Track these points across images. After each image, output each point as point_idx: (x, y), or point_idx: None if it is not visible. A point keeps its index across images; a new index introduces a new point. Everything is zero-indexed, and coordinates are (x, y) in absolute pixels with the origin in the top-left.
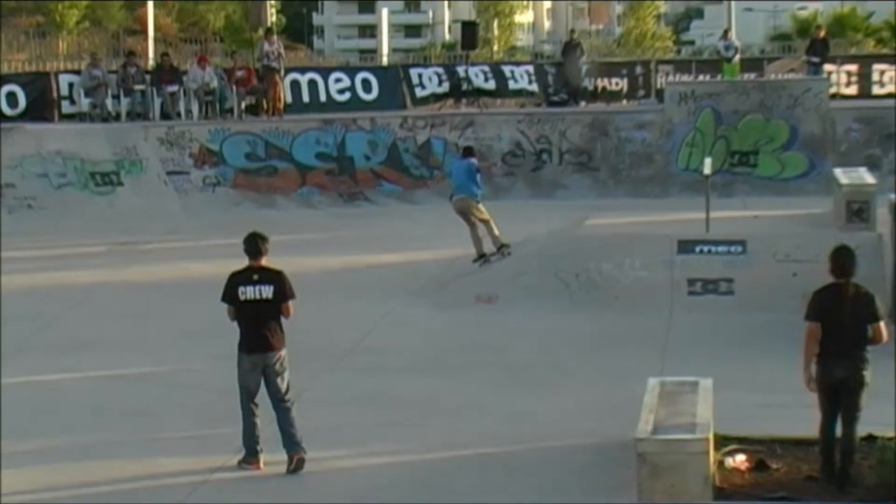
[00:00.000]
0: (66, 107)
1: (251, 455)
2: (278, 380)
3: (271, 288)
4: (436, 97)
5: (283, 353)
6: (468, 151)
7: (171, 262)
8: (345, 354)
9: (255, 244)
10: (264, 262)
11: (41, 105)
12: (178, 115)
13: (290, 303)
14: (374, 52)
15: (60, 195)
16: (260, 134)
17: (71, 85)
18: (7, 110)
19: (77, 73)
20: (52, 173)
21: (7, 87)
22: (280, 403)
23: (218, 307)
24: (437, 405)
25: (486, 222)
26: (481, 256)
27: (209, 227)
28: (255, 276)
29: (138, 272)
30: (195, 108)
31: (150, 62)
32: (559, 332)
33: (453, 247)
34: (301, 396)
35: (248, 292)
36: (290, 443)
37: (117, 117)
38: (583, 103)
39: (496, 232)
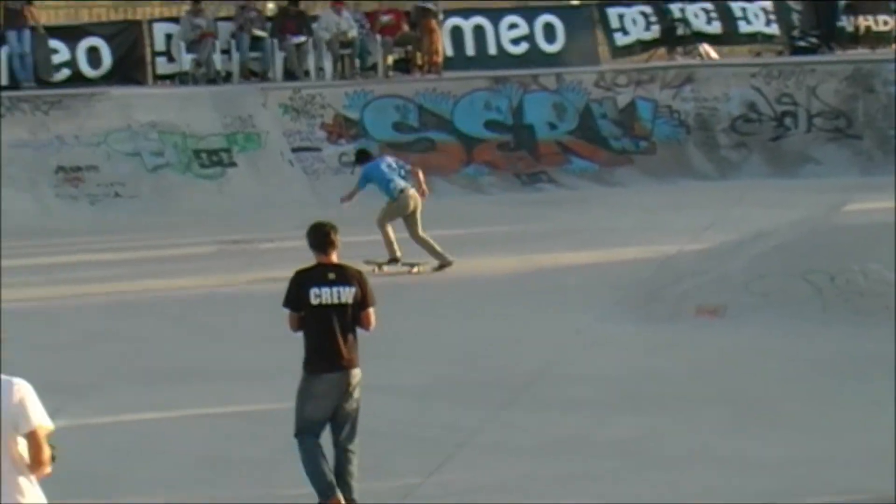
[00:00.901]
0: (161, 65)
1: (328, 494)
2: (353, 409)
3: (352, 291)
4: (642, 45)
5: (360, 375)
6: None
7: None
8: (527, 385)
9: (323, 236)
10: (335, 258)
11: (131, 63)
12: (307, 73)
13: (372, 310)
14: None
15: (156, 179)
16: (412, 97)
17: (168, 37)
18: (88, 71)
19: (176, 20)
20: (145, 152)
21: (87, 41)
22: (349, 442)
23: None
24: (650, 452)
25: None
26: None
27: (347, 220)
28: (332, 276)
29: (256, 278)
30: (328, 65)
31: (270, 6)
32: (808, 354)
33: (666, 241)
34: (469, 441)
35: (323, 295)
36: (346, 489)
37: (228, 77)
38: (839, 50)
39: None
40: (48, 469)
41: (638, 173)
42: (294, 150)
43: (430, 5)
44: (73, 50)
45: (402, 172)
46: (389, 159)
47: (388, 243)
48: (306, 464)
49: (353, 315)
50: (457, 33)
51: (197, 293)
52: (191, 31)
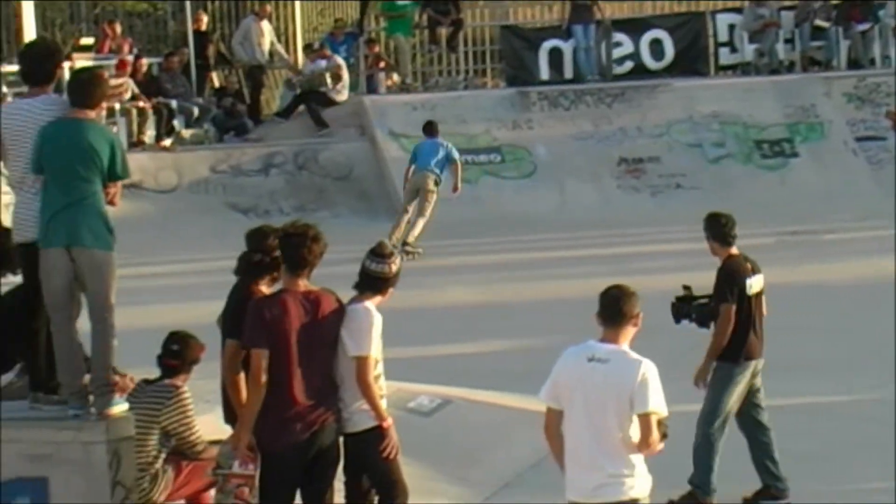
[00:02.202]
0: (724, 56)
1: (712, 492)
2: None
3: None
4: None
5: None
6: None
7: (871, 257)
8: None
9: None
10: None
11: (693, 55)
12: (872, 62)
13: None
14: None
15: (717, 170)
16: None
17: (731, 28)
18: (650, 63)
19: (739, 11)
20: (706, 143)
21: (651, 34)
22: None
23: None
24: None
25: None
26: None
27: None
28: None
29: (815, 270)
30: (894, 52)
31: None
32: None
33: None
34: None
35: (753, 284)
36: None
37: (790, 67)
38: None
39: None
40: (658, 448)
41: None
42: (858, 139)
43: None
44: (636, 43)
45: (442, 160)
46: (445, 144)
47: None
48: (711, 457)
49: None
50: None
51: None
52: (753, 22)
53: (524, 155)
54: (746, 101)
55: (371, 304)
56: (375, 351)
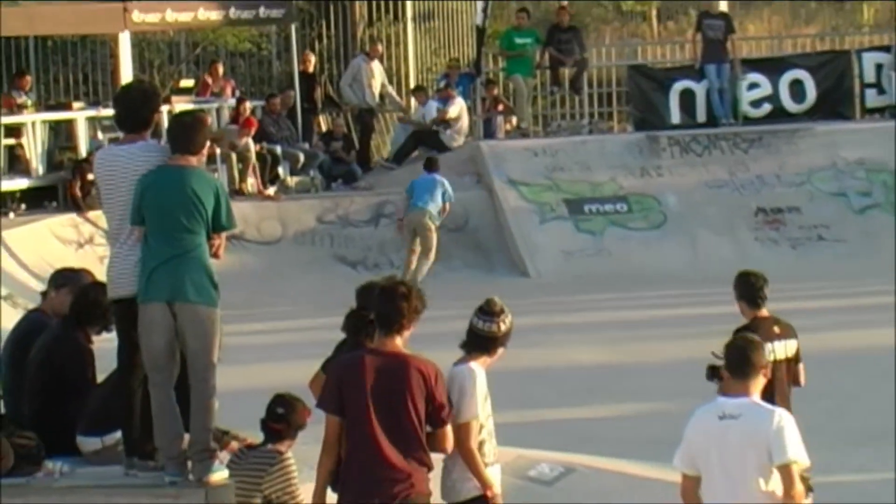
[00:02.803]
0: (870, 97)
1: None
2: None
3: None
4: None
5: None
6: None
7: None
8: None
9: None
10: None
11: (837, 97)
12: None
13: None
14: None
15: (863, 221)
16: None
17: (879, 67)
18: (790, 106)
19: (886, 49)
20: (851, 192)
21: (790, 74)
22: None
23: None
24: None
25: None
26: None
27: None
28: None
29: None
30: None
31: None
32: None
33: None
34: None
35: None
36: None
37: None
38: None
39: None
40: (803, 501)
41: None
42: None
43: None
44: (774, 84)
45: (438, 198)
46: (443, 181)
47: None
48: None
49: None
50: None
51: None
52: None
53: (653, 204)
54: (893, 147)
55: (477, 364)
56: (479, 415)
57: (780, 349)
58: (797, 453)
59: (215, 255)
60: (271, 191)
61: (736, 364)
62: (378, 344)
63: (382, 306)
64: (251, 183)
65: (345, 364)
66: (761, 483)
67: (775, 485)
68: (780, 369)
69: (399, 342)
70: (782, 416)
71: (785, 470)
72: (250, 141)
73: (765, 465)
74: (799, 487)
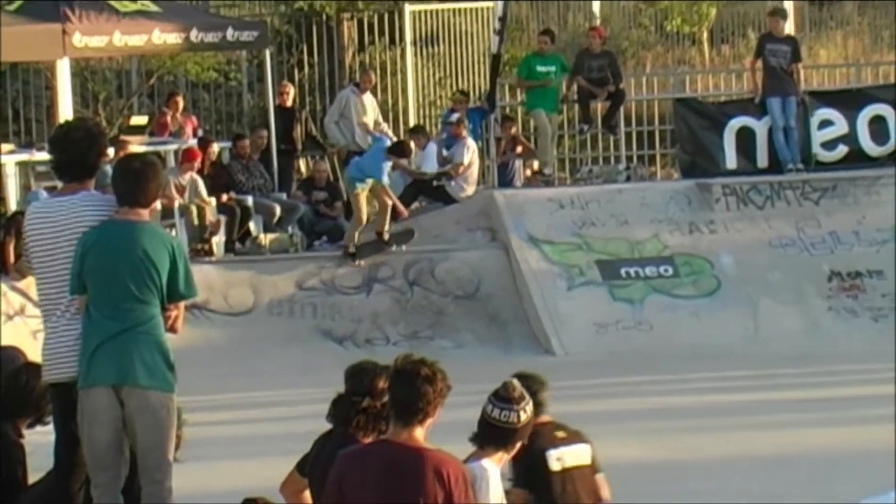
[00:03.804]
0: None
1: None
2: None
3: None
4: None
5: None
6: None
7: None
8: None
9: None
10: None
11: None
12: None
13: None
14: None
15: None
16: None
17: None
18: (870, 148)
19: None
20: None
21: (870, 109)
22: None
23: None
24: None
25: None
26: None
27: None
28: None
29: None
30: None
31: None
32: None
33: None
34: None
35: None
36: None
37: None
38: None
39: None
40: None
41: None
42: None
43: None
44: (851, 121)
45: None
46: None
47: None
48: None
49: None
50: None
51: None
52: None
53: (705, 267)
54: None
55: (491, 462)
56: None
57: (570, 456)
58: None
59: (171, 330)
60: (241, 250)
61: None
62: (394, 434)
63: (401, 391)
64: (217, 241)
65: (349, 455)
66: None
67: None
68: (574, 480)
69: (420, 434)
70: None
71: None
72: (199, 181)
73: None
74: None
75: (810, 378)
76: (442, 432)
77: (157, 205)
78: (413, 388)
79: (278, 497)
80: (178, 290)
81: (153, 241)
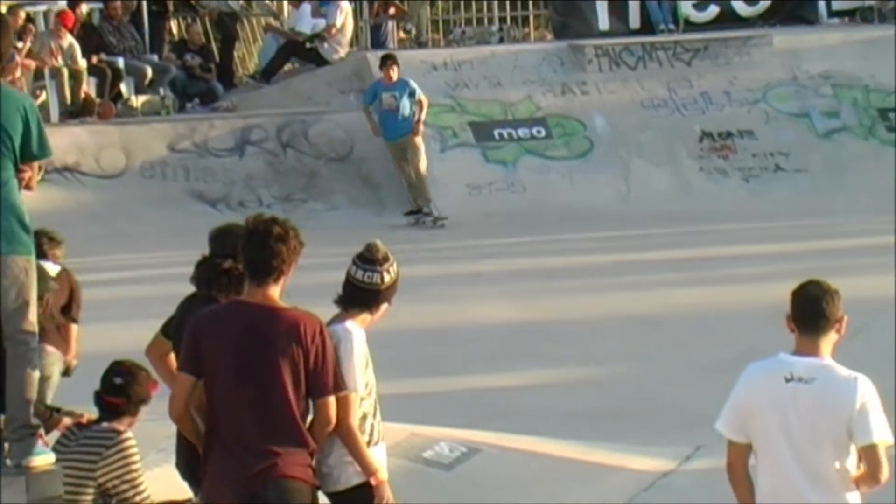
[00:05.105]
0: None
1: None
2: None
3: None
4: None
5: None
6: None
7: None
8: None
9: None
10: None
11: None
12: None
13: None
14: None
15: (829, 148)
16: None
17: None
18: (742, 8)
19: None
20: (815, 112)
21: None
22: None
23: None
24: None
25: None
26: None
27: None
28: None
29: None
30: None
31: None
32: None
33: None
34: None
35: None
36: None
37: None
38: None
39: None
40: (880, 483)
41: None
42: None
43: None
44: None
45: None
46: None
47: None
48: None
49: None
50: None
51: (879, 296)
52: None
53: (577, 128)
54: (867, 58)
55: (354, 323)
56: (359, 385)
57: None
58: (884, 432)
59: (27, 188)
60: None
61: (807, 316)
62: (248, 295)
63: (253, 251)
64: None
65: (205, 317)
66: (835, 462)
67: (851, 463)
68: None
69: (275, 293)
70: (866, 387)
71: (871, 451)
72: (76, 45)
73: (842, 442)
74: (885, 471)
75: (681, 238)
76: (312, 294)
77: (32, 64)
78: (266, 248)
79: (146, 360)
80: (32, 151)
81: (5, 101)
